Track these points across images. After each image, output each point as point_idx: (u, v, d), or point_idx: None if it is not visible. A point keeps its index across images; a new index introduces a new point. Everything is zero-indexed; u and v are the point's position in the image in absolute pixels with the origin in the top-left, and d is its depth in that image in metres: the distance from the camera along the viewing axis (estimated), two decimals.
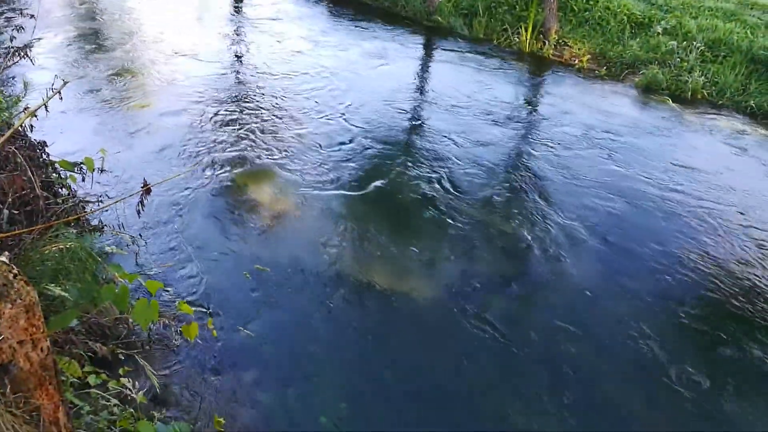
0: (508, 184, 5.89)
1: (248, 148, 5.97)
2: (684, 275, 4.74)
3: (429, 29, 10.88)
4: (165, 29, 9.51)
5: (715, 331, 4.22)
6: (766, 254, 5.14)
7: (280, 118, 6.68)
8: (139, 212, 3.31)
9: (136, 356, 3.16)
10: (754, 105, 8.36)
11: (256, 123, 6.51)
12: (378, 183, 5.55)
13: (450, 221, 5.09)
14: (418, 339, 3.86)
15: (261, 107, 6.94)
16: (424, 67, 9.17)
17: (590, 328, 4.09)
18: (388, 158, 6.06)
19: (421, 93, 8.12)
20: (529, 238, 5.02)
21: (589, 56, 9.88)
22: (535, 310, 4.24)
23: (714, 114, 8.28)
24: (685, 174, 6.38)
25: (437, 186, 5.63)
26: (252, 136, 6.20)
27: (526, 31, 10.15)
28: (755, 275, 4.84)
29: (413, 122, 7.04)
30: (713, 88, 8.83)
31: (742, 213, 5.76)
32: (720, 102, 8.63)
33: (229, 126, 6.39)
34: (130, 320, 3.47)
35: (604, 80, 9.24)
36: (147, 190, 4.57)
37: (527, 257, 4.81)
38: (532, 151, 6.66)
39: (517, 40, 10.27)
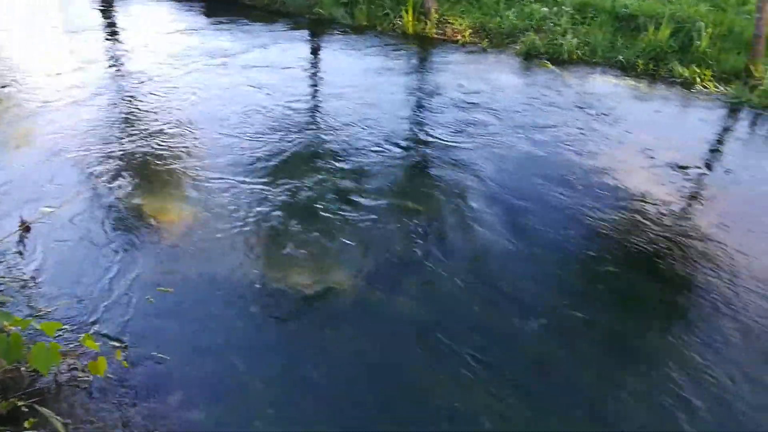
0: (410, 162, 5.98)
1: (140, 169, 5.71)
2: (583, 232, 5.02)
3: (312, 22, 10.82)
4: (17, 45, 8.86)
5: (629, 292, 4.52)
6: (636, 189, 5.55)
7: (173, 130, 6.42)
8: (21, 252, 3.10)
9: (41, 405, 2.96)
10: (622, 59, 8.95)
11: (143, 142, 6.22)
12: (281, 182, 5.47)
13: (357, 210, 5.11)
14: (339, 332, 3.87)
15: (149, 122, 6.64)
16: (311, 61, 9.09)
17: (503, 291, 4.26)
18: (289, 156, 5.99)
19: (312, 87, 8.06)
20: (434, 211, 5.15)
21: (470, 31, 10.19)
22: (447, 279, 4.35)
23: (589, 71, 8.79)
24: (569, 125, 6.75)
25: (341, 176, 5.63)
26: (140, 156, 5.93)
27: (407, 13, 10.30)
28: (630, 219, 5.21)
29: (306, 116, 6.97)
30: (586, 48, 9.35)
31: (622, 142, 6.19)
32: (594, 60, 9.16)
33: (113, 146, 6.07)
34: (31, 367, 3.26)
35: (488, 52, 9.57)
36: (26, 228, 4.30)
37: (433, 230, 4.92)
38: (428, 125, 6.80)
39: (400, 23, 10.41)
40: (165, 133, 6.35)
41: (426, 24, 10.25)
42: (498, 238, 4.82)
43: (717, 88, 8.16)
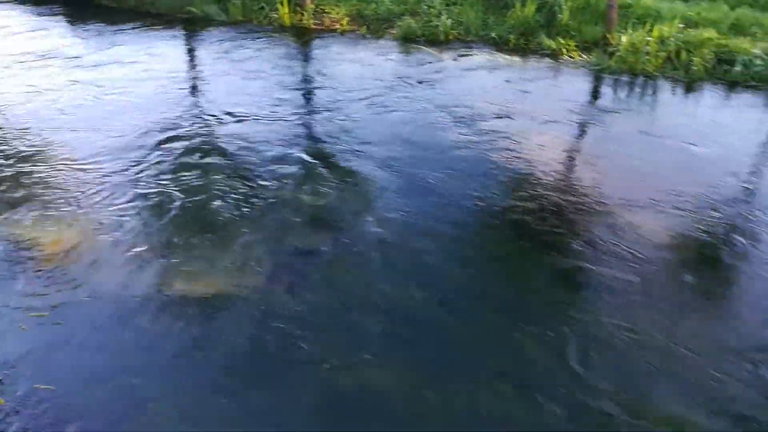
0: (301, 154, 5.93)
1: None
2: (469, 201, 5.22)
3: (185, 21, 10.40)
4: None
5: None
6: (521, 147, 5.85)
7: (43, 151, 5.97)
8: None
9: None
10: (495, 36, 9.34)
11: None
12: (166, 189, 5.25)
13: (247, 207, 5.02)
14: (243, 334, 3.79)
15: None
16: (188, 63, 8.76)
17: (402, 268, 4.35)
18: (171, 162, 5.75)
19: (191, 90, 7.77)
20: (327, 197, 5.15)
21: (348, 19, 10.22)
22: (349, 263, 4.38)
23: (466, 50, 9.10)
24: (453, 98, 6.97)
25: (231, 176, 5.49)
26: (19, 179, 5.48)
27: (283, 5, 10.16)
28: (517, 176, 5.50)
29: (191, 123, 6.72)
30: (460, 27, 9.67)
31: (500, 117, 6.48)
32: (468, 39, 9.50)
33: None
34: None
35: (366, 38, 9.65)
36: None
37: (331, 216, 4.93)
38: (315, 114, 6.77)
39: (276, 15, 10.26)
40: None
41: (302, 15, 10.17)
42: (387, 216, 4.91)
43: (581, 56, 8.72)
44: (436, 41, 9.39)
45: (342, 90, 7.53)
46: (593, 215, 5.04)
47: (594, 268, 4.42)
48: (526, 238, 4.80)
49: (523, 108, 7.05)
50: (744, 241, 4.73)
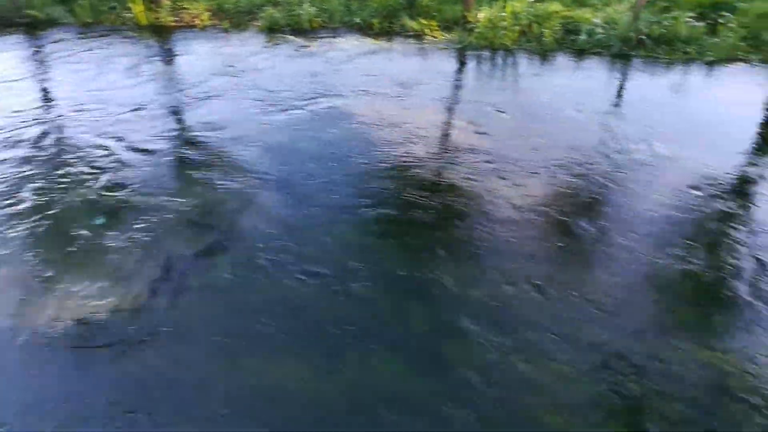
0: (173, 158, 5.67)
1: None
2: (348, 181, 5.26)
3: (27, 27, 9.55)
4: None
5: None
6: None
7: None
8: None
9: None
10: (359, 21, 9.42)
11: None
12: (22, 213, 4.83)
13: (121, 220, 4.73)
14: (125, 369, 3.59)
15: None
16: (33, 74, 8.06)
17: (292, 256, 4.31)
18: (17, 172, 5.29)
19: (39, 104, 7.16)
20: (208, 195, 4.98)
21: (208, 13, 9.87)
22: (232, 263, 4.27)
23: (332, 37, 9.11)
24: (321, 85, 6.96)
25: (96, 189, 5.14)
26: None
27: (135, 3, 9.61)
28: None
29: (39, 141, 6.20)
30: (325, 15, 9.65)
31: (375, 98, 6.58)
32: (334, 25, 9.51)
33: None
34: None
35: (230, 33, 9.37)
36: None
37: (212, 216, 4.77)
38: (182, 118, 6.49)
39: (130, 15, 9.68)
40: None
41: (158, 12, 9.68)
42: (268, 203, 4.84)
43: (443, 36, 9.02)
44: (301, 30, 9.32)
45: (197, 86, 7.28)
46: (475, 184, 5.25)
47: (480, 235, 4.62)
48: (412, 215, 4.91)
49: (394, 89, 7.18)
50: (622, 201, 5.11)
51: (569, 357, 3.53)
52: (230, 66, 7.94)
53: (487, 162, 5.60)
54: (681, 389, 3.31)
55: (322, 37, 9.08)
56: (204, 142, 5.97)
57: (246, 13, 9.87)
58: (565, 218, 4.84)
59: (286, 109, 6.65)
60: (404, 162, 5.61)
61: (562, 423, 3.15)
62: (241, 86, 7.27)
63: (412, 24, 9.22)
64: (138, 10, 9.60)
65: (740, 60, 8.03)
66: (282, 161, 5.61)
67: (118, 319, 3.81)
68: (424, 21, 9.22)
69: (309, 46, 8.71)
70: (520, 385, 3.36)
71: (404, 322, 3.81)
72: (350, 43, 8.84)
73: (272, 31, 9.33)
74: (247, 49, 8.65)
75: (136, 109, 6.67)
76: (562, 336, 3.68)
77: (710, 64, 8.03)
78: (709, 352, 3.55)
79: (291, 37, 9.07)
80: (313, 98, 6.92)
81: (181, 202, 4.99)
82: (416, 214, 4.88)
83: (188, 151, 5.81)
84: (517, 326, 3.75)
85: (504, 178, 5.32)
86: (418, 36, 9.07)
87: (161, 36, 9.26)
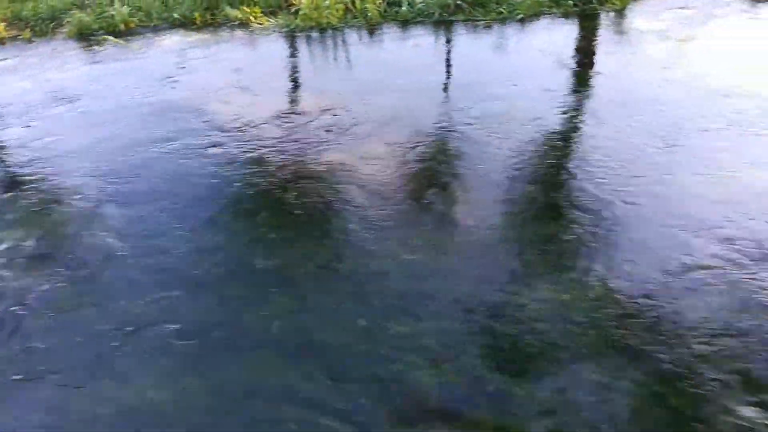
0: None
1: None
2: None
3: None
4: None
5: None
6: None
7: None
8: None
9: None
10: (178, 16, 8.96)
11: None
12: None
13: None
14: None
15: None
16: None
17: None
18: None
19: None
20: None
21: (4, 24, 8.86)
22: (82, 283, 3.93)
23: (153, 35, 8.58)
24: (150, 88, 6.57)
25: None
26: None
27: None
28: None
29: None
30: (140, 13, 9.05)
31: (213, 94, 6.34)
32: (153, 23, 8.96)
33: None
34: None
35: (33, 42, 8.50)
36: None
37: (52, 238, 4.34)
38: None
39: None
40: None
41: None
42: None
43: (269, 21, 8.86)
44: (117, 32, 8.67)
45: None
46: (326, 157, 5.26)
47: (339, 212, 4.65)
48: (266, 201, 4.81)
49: (231, 79, 6.96)
50: (466, 155, 5.37)
51: (435, 312, 3.70)
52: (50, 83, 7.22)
53: (331, 138, 5.64)
54: (533, 327, 3.59)
55: (141, 36, 8.52)
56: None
57: (49, 20, 8.98)
58: (415, 181, 5.03)
59: (113, 121, 6.20)
60: (254, 150, 5.48)
61: (436, 374, 3.29)
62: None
63: (235, 13, 8.94)
64: None
65: (544, 14, 8.75)
66: (117, 165, 5.23)
67: None
68: (246, 9, 8.97)
69: (129, 47, 8.14)
70: (391, 348, 3.46)
71: (266, 316, 3.76)
72: (173, 40, 8.39)
73: (83, 36, 8.58)
74: (55, 59, 7.89)
75: None
76: (426, 294, 3.84)
77: (521, 21, 8.66)
78: (553, 290, 3.85)
79: (111, 39, 8.40)
80: (143, 98, 6.51)
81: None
82: (271, 200, 4.81)
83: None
84: (384, 294, 3.85)
85: (351, 151, 5.40)
86: (244, 24, 8.82)
87: None
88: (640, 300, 3.70)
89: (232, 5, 9.05)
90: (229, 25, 8.85)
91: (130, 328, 3.67)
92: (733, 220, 4.27)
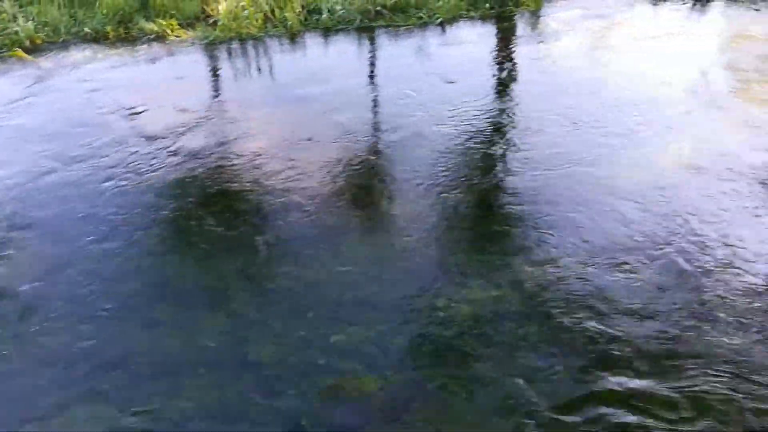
0: None
1: None
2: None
3: None
4: None
5: None
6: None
7: None
8: None
9: None
10: (90, 31, 8.54)
11: None
12: None
13: None
14: None
15: None
16: None
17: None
18: None
19: None
20: None
21: None
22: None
23: (62, 51, 8.16)
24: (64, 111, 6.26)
25: None
26: None
27: None
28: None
29: None
30: (47, 28, 8.60)
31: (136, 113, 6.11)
32: (61, 39, 8.51)
33: None
34: None
35: None
36: None
37: None
38: None
39: None
40: None
41: None
42: None
43: (187, 34, 8.63)
44: (23, 49, 8.19)
45: None
46: (254, 170, 5.16)
47: (273, 223, 4.57)
48: (194, 218, 4.68)
49: (149, 95, 6.74)
50: (397, 157, 5.44)
51: (371, 318, 3.69)
52: None
53: (259, 154, 5.56)
54: (461, 327, 3.65)
55: (50, 53, 8.08)
56: None
57: None
58: (351, 184, 5.04)
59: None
60: (180, 161, 5.32)
61: (374, 383, 3.28)
62: None
63: (150, 26, 8.64)
64: None
65: (463, 18, 8.97)
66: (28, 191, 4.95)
67: None
68: (163, 22, 8.69)
69: (40, 65, 7.72)
70: (332, 355, 3.43)
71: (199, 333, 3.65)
72: (83, 55, 8.01)
73: None
74: None
75: None
76: (361, 300, 3.83)
77: (440, 24, 8.83)
78: (481, 291, 3.93)
79: (23, 56, 7.93)
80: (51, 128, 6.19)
81: None
82: (198, 217, 4.68)
83: None
84: (321, 303, 3.83)
85: (278, 158, 5.34)
86: (161, 38, 8.54)
87: None
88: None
89: (147, 18, 8.75)
90: (144, 39, 8.55)
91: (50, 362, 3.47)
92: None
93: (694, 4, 9.19)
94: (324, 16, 8.71)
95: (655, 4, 9.22)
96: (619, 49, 7.91)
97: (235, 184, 5.11)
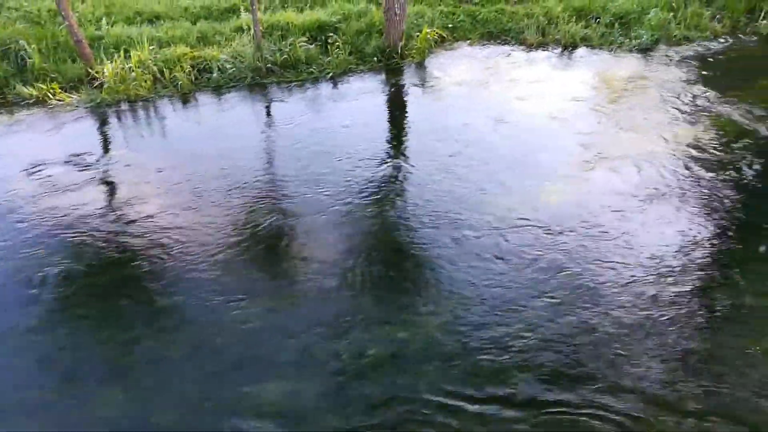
0: None
1: None
2: None
3: None
4: None
5: None
6: None
7: None
8: None
9: None
10: None
11: None
12: None
13: None
14: None
15: None
16: None
17: None
18: None
19: None
20: None
21: None
22: None
23: None
24: None
25: None
26: None
27: None
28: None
29: None
30: None
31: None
32: None
33: None
34: None
35: None
36: None
37: None
38: None
39: None
40: None
41: None
42: None
43: (71, 97, 8.34)
44: None
45: None
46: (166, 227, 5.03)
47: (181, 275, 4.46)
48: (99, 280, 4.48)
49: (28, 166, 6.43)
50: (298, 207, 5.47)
51: (276, 374, 3.70)
52: None
53: (161, 212, 5.46)
54: (371, 372, 3.76)
55: None
56: None
57: None
58: (250, 236, 5.07)
59: None
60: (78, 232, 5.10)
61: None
62: None
63: (29, 91, 8.28)
64: None
65: (352, 72, 9.34)
66: None
67: None
68: (43, 85, 8.36)
69: None
70: (233, 416, 3.40)
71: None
72: None
73: None
74: None
75: None
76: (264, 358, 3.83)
77: (331, 78, 9.13)
78: (390, 328, 4.07)
79: None
80: None
81: None
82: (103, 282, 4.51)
83: None
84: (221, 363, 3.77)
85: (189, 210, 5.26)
86: (42, 102, 8.20)
87: None
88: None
89: (25, 83, 8.39)
90: (23, 103, 8.17)
91: None
92: None
93: (562, 52, 10.13)
94: (215, 75, 8.76)
95: (528, 52, 10.07)
96: (491, 93, 8.58)
97: (127, 251, 4.98)
